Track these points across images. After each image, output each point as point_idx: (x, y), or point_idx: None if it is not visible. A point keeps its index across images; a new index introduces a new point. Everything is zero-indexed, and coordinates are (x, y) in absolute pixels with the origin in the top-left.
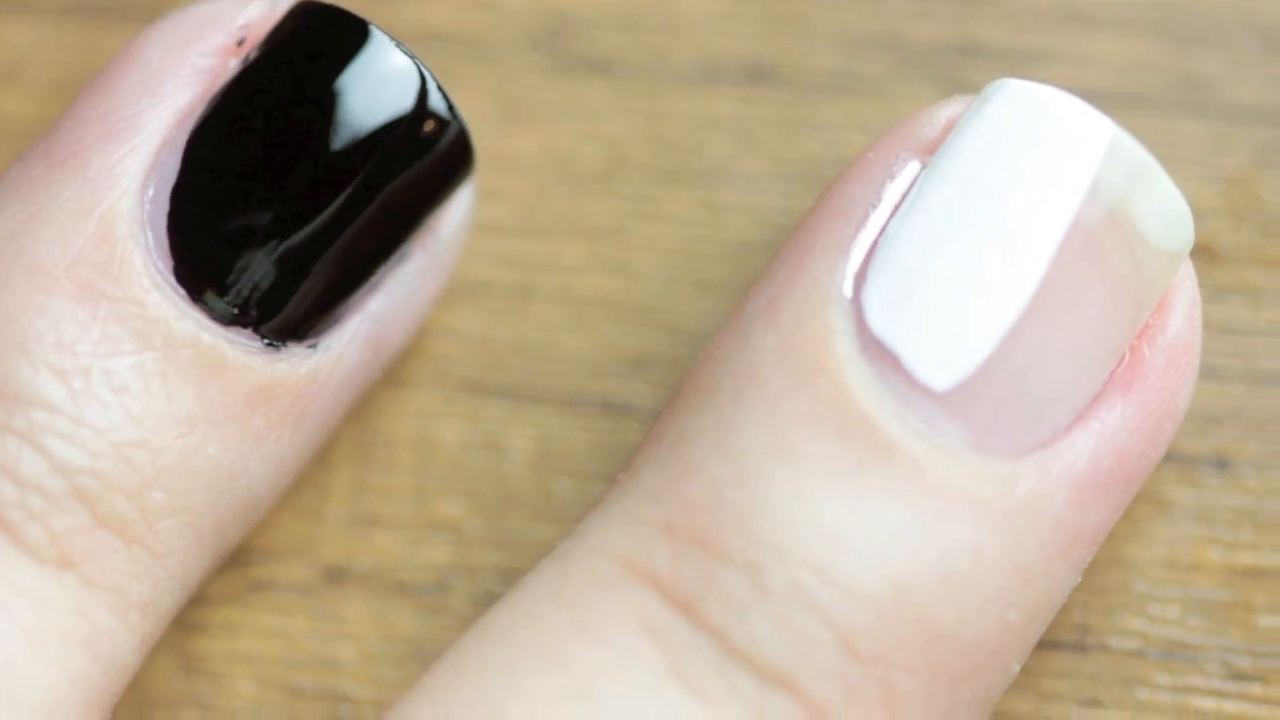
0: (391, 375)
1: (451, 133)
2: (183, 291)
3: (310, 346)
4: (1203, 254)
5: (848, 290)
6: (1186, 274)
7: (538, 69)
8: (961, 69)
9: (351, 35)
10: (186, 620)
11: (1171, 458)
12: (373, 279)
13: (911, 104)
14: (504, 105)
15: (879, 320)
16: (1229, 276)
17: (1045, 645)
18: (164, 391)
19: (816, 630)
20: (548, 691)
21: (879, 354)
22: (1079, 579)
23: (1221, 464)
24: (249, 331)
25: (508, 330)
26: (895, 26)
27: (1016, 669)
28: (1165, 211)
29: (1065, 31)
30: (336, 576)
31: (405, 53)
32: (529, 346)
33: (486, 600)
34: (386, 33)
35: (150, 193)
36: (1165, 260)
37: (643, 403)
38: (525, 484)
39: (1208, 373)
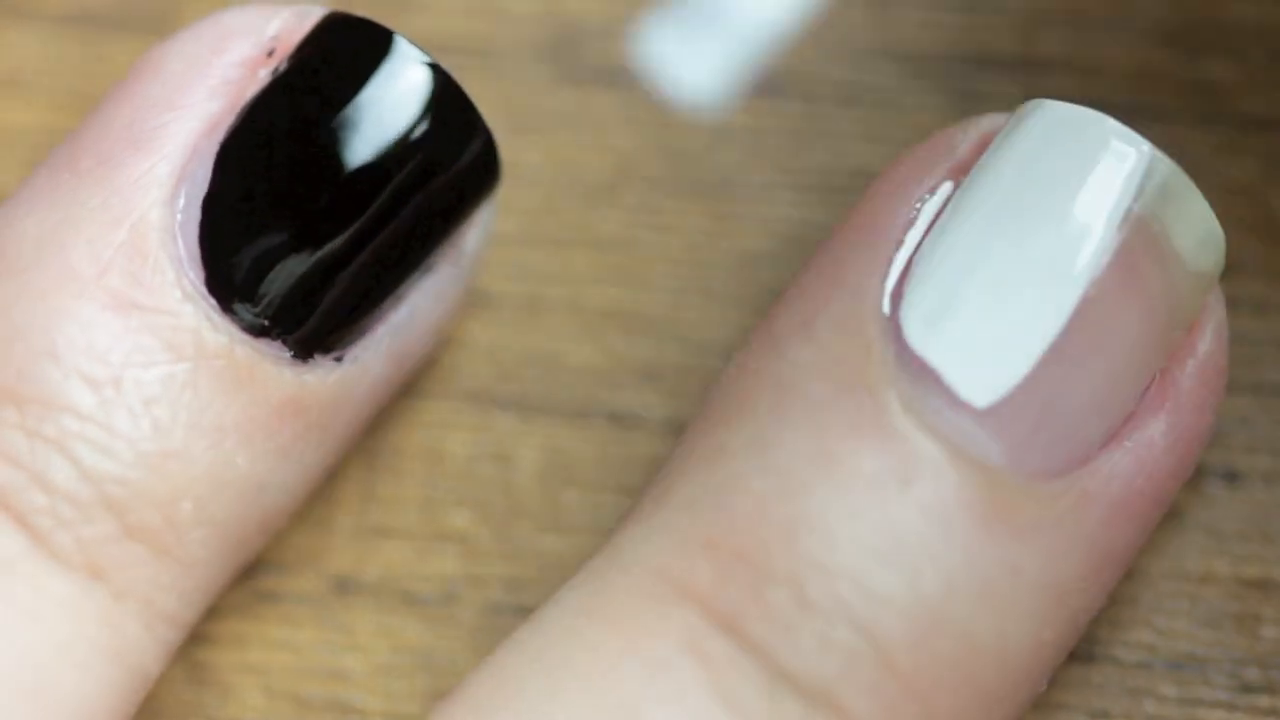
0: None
1: (479, 145)
2: (214, 302)
3: (337, 359)
4: None
5: (885, 306)
6: (1215, 296)
7: (546, 80)
8: (972, 79)
9: (381, 48)
10: (194, 631)
11: None
12: (400, 291)
13: (921, 114)
14: (512, 116)
15: (918, 337)
16: (1237, 287)
17: None
18: (195, 402)
19: (858, 646)
20: (592, 711)
21: (919, 370)
22: (1106, 598)
23: (1230, 476)
24: (278, 343)
25: (516, 341)
26: (904, 37)
27: (1044, 688)
28: (1200, 232)
29: (1075, 41)
30: (344, 587)
31: (434, 65)
32: (537, 357)
33: (495, 611)
34: (416, 45)
35: (181, 203)
36: (1199, 282)
37: (652, 414)
38: (533, 495)
39: None
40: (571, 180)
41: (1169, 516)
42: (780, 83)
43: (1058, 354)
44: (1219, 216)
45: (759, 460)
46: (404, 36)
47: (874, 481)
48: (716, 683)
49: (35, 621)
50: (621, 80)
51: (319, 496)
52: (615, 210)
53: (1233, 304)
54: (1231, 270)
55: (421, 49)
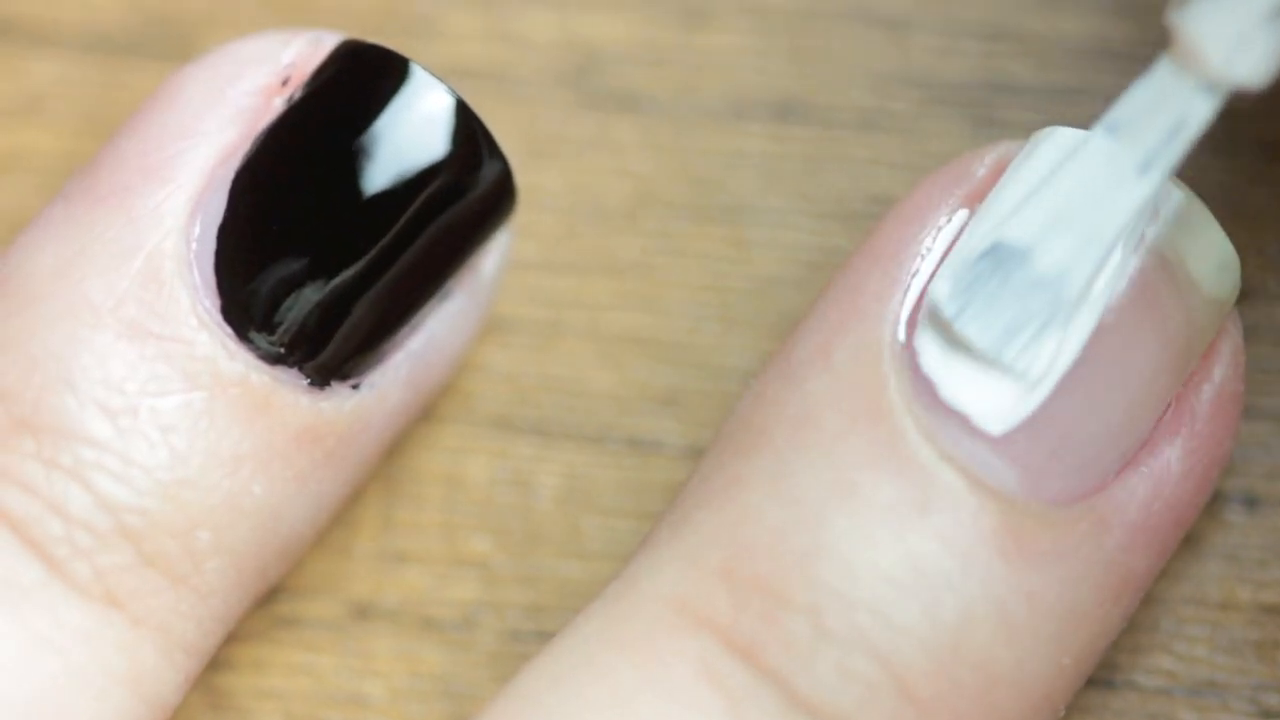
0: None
1: (494, 171)
2: (230, 331)
3: (354, 386)
4: None
5: (901, 335)
6: (1232, 322)
7: (566, 105)
8: (990, 106)
9: (396, 75)
10: (214, 657)
11: None
12: (416, 318)
13: (940, 141)
14: (532, 142)
15: (934, 366)
16: (1257, 315)
17: None
18: (211, 431)
19: (875, 675)
20: None
21: (934, 399)
22: (1125, 623)
23: (1250, 502)
24: (294, 371)
25: (536, 367)
26: (923, 63)
27: (1063, 713)
28: (1215, 258)
29: (1094, 68)
30: (364, 613)
31: (450, 92)
32: (557, 383)
33: (514, 637)
34: (431, 72)
35: (196, 232)
36: (1214, 308)
37: (671, 439)
38: (553, 521)
39: None
40: (590, 205)
41: (1189, 543)
42: (799, 108)
43: (1073, 381)
44: (1239, 244)
45: (776, 490)
46: (419, 64)
47: (892, 510)
48: (733, 711)
49: (52, 650)
50: (641, 106)
51: (338, 522)
52: (634, 236)
53: (1253, 331)
54: (1252, 297)
55: (437, 76)
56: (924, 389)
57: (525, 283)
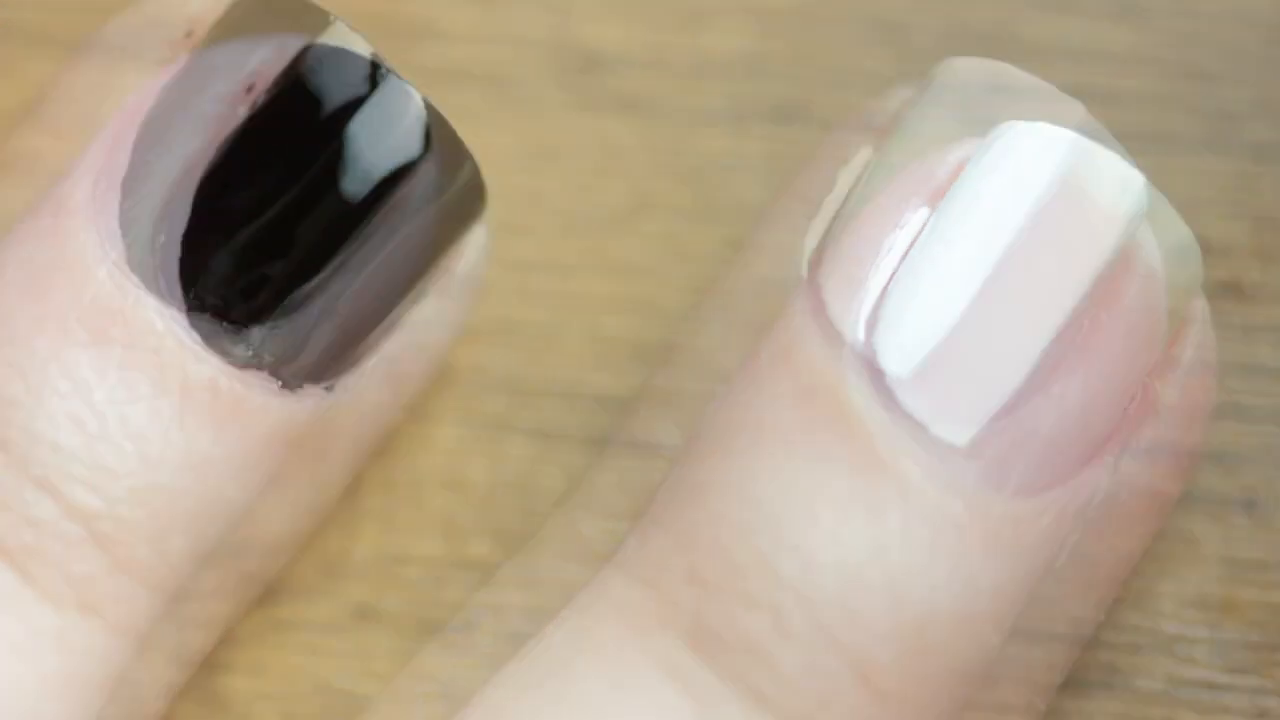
0: (418, 413)
1: (464, 172)
2: (197, 336)
3: (327, 389)
4: (1230, 293)
5: (861, 334)
6: (1198, 309)
7: (565, 107)
8: (990, 108)
9: (360, 78)
10: (213, 660)
11: (1199, 498)
12: (388, 320)
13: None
14: (531, 143)
15: (893, 363)
16: (1256, 315)
17: (1072, 685)
18: (182, 436)
19: (840, 671)
20: None
21: (894, 395)
22: (1103, 617)
23: (1249, 504)
24: (265, 374)
25: (536, 367)
26: (923, 66)
27: (1042, 708)
28: (1174, 244)
29: (1092, 70)
30: (364, 614)
31: (415, 93)
32: (557, 384)
33: (514, 639)
34: (396, 73)
35: (161, 240)
36: (1177, 295)
37: (671, 441)
38: (553, 523)
39: (1235, 412)
40: (590, 207)
41: (1189, 543)
42: (799, 108)
43: (1036, 375)
44: (1239, 244)
45: (740, 491)
46: (384, 64)
47: (854, 508)
48: (701, 714)
49: (27, 658)
50: (641, 108)
51: (337, 524)
52: (634, 238)
53: (1253, 332)
54: (1250, 297)
55: (401, 76)
56: (883, 385)
57: (524, 285)
